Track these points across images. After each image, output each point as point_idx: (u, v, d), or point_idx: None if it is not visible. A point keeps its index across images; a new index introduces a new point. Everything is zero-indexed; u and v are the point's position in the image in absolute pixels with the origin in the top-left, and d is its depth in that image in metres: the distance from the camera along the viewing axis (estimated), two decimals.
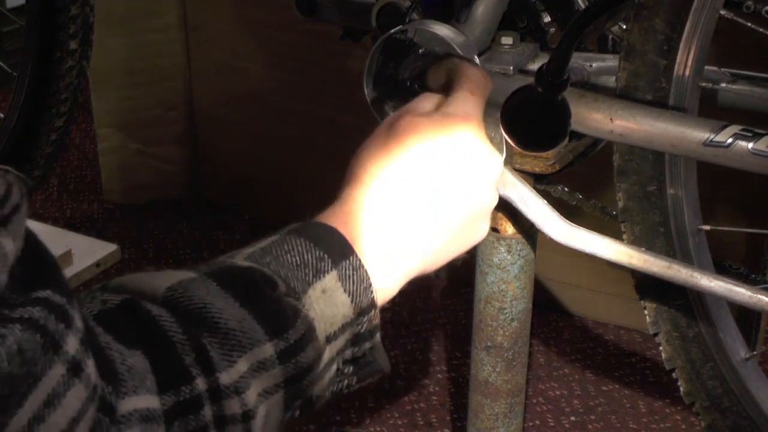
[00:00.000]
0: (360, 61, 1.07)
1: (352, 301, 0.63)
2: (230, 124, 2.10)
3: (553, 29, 1.11)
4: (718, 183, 1.30)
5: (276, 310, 0.58)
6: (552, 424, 1.54)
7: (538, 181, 1.08)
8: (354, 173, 0.71)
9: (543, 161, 1.05)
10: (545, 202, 1.04)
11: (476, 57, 1.03)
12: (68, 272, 1.82)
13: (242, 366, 0.55)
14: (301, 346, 0.59)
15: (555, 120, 0.93)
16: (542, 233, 1.05)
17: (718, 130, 0.91)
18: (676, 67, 0.97)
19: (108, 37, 1.98)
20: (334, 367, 0.64)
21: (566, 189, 1.09)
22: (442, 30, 1.03)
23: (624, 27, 1.08)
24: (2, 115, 1.73)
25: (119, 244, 1.96)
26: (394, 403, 1.57)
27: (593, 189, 1.53)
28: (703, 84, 1.01)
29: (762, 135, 0.90)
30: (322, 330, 0.60)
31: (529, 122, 0.94)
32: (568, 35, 0.88)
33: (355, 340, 0.65)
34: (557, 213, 1.04)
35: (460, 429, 1.52)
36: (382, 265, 0.68)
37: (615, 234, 1.05)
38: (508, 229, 1.10)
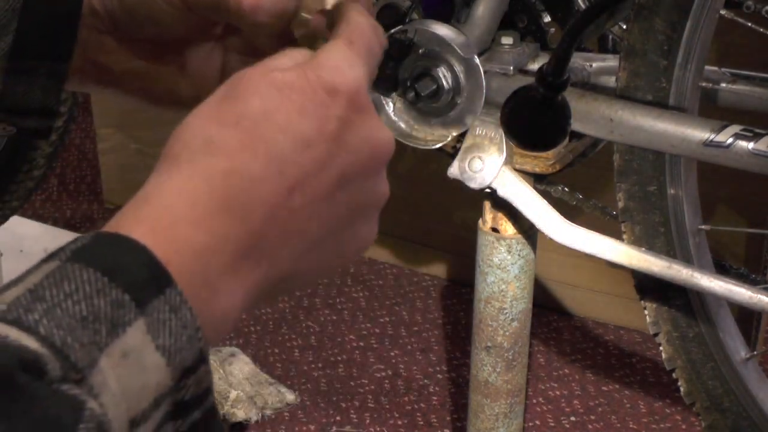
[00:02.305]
0: None
1: (168, 362, 0.41)
2: None
3: (553, 29, 1.11)
4: (718, 183, 1.30)
5: (41, 421, 0.37)
6: (552, 424, 1.54)
7: (538, 181, 1.08)
8: (172, 152, 0.46)
9: (543, 161, 1.05)
10: (545, 202, 1.04)
11: (476, 57, 1.03)
12: None
13: None
14: None
15: (555, 120, 0.93)
16: (542, 233, 1.06)
17: (718, 130, 0.91)
18: (676, 67, 0.97)
19: None
20: None
21: (566, 189, 1.09)
22: (442, 30, 1.03)
23: (624, 27, 1.08)
24: None
25: None
26: (394, 403, 1.57)
27: (593, 189, 1.53)
28: (703, 84, 1.01)
29: (762, 135, 0.90)
30: (122, 415, 0.40)
31: (529, 122, 0.94)
32: (568, 35, 0.88)
33: (178, 411, 0.43)
34: (557, 213, 1.04)
35: (460, 429, 1.52)
36: (218, 286, 0.44)
37: (615, 234, 1.05)
38: (508, 229, 1.10)
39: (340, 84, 0.48)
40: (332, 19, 0.56)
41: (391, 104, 1.09)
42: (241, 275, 0.45)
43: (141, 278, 0.41)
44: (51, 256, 0.43)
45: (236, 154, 0.45)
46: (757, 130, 0.90)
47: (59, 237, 1.93)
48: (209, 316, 0.44)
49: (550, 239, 1.04)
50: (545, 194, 1.06)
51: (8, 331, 0.38)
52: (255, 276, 0.46)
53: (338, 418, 1.54)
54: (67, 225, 2.06)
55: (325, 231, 0.48)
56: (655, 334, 1.11)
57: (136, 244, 0.42)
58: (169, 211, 0.44)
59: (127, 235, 0.43)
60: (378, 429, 1.52)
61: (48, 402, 0.38)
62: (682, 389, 1.13)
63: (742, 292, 0.97)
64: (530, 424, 1.53)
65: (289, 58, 0.50)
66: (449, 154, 1.08)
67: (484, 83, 1.02)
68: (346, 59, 0.50)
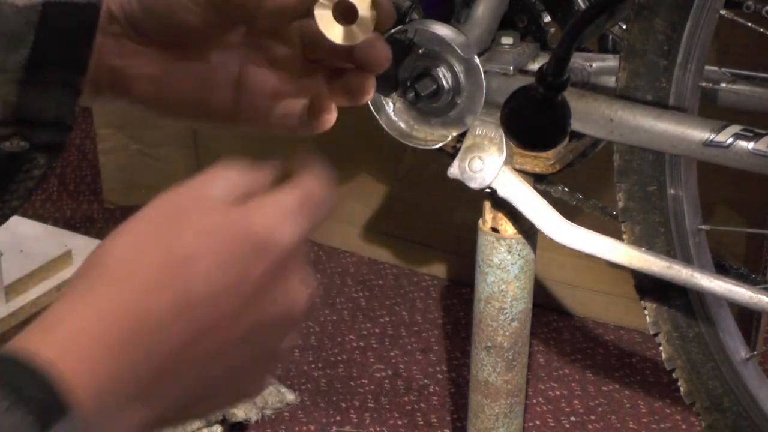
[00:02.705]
0: None
1: None
2: None
3: (553, 29, 1.11)
4: (718, 183, 1.30)
5: None
6: (552, 424, 1.54)
7: (538, 181, 1.08)
8: (93, 273, 0.46)
9: (543, 161, 1.05)
10: (545, 202, 1.04)
11: (476, 57, 1.03)
12: (68, 272, 1.82)
13: None
14: None
15: (555, 120, 0.93)
16: (542, 233, 1.06)
17: (718, 130, 0.91)
18: (676, 67, 0.97)
19: None
20: None
21: (566, 189, 1.09)
22: (442, 30, 1.03)
23: (624, 27, 1.08)
24: None
25: None
26: (394, 403, 1.57)
27: (593, 189, 1.53)
28: (703, 84, 1.01)
29: (762, 135, 0.90)
30: None
31: (529, 122, 0.94)
32: (568, 35, 0.88)
33: None
34: (557, 213, 1.04)
35: (460, 429, 1.52)
36: (114, 416, 0.44)
37: (615, 234, 1.05)
38: (508, 229, 1.10)
39: (271, 242, 0.47)
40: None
41: (391, 104, 1.09)
42: (130, 412, 0.45)
43: (44, 400, 0.41)
44: None
45: (152, 293, 0.45)
46: (757, 130, 0.90)
47: (59, 237, 1.93)
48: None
49: (550, 239, 1.04)
50: (545, 194, 1.06)
51: None
52: (141, 414, 0.45)
53: (338, 418, 1.54)
54: (67, 225, 2.06)
55: (222, 377, 0.48)
56: (655, 334, 1.11)
57: (43, 364, 0.42)
58: (80, 338, 0.43)
59: (34, 358, 0.42)
60: (378, 429, 1.52)
61: None
62: (682, 389, 1.13)
63: (742, 292, 0.98)
64: (530, 424, 1.53)
65: (227, 186, 0.48)
66: (449, 154, 1.08)
67: (484, 83, 1.02)
68: (288, 214, 0.48)
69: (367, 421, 1.54)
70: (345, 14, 0.58)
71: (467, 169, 1.05)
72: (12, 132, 0.61)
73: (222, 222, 0.47)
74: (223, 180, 0.49)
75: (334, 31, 0.58)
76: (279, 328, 0.49)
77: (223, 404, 0.51)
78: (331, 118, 0.64)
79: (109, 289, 0.45)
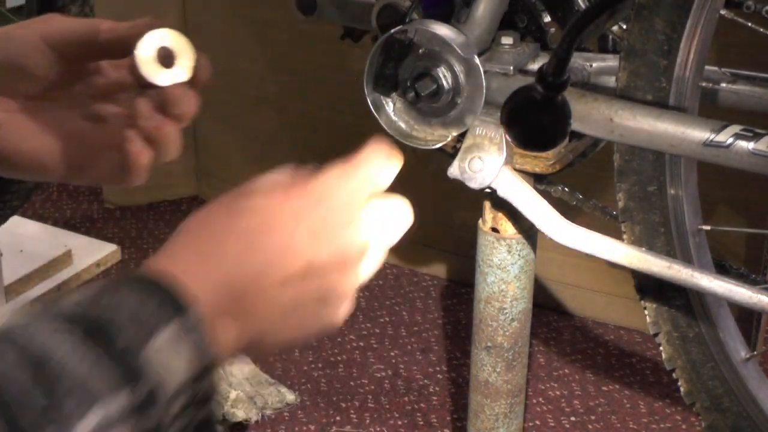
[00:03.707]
0: (360, 61, 1.07)
1: (189, 363, 0.54)
2: (230, 124, 2.09)
3: (553, 29, 1.11)
4: (718, 183, 1.30)
5: (124, 360, 0.51)
6: (552, 424, 1.54)
7: (538, 181, 1.08)
8: (205, 232, 0.60)
9: (543, 161, 1.05)
10: (545, 202, 1.04)
11: (476, 57, 1.03)
12: (68, 272, 1.83)
13: (93, 419, 0.49)
14: (150, 402, 0.52)
15: (555, 120, 0.93)
16: (542, 233, 1.06)
17: (718, 130, 0.91)
18: (676, 67, 0.97)
19: None
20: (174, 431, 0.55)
21: (566, 189, 1.09)
22: (442, 30, 1.03)
23: (624, 27, 1.08)
24: None
25: (119, 244, 1.96)
26: (394, 403, 1.57)
27: (593, 189, 1.53)
28: (703, 84, 1.01)
29: (762, 135, 0.90)
30: (164, 392, 0.53)
31: (529, 122, 0.94)
32: (568, 35, 0.88)
33: (191, 405, 0.56)
34: (557, 213, 1.04)
35: (460, 429, 1.52)
36: (217, 325, 0.58)
37: (615, 234, 1.05)
38: (508, 229, 1.10)
39: (327, 193, 0.62)
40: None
41: (391, 104, 1.09)
42: (230, 324, 0.58)
43: (171, 301, 0.54)
44: (104, 281, 0.56)
45: (243, 249, 0.59)
46: (757, 130, 0.90)
47: (59, 237, 1.93)
48: (214, 340, 0.56)
49: (550, 239, 1.04)
50: (545, 194, 1.06)
51: (93, 313, 0.53)
52: (242, 322, 0.58)
53: (338, 418, 1.54)
54: (67, 225, 2.06)
55: (294, 301, 0.60)
56: (655, 334, 1.11)
57: (171, 280, 0.55)
58: (187, 268, 0.57)
59: (163, 272, 0.56)
60: (378, 429, 1.52)
61: (125, 354, 0.51)
62: (682, 389, 1.13)
63: (742, 292, 0.97)
64: (530, 424, 1.53)
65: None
66: (449, 154, 1.08)
67: (484, 83, 1.02)
68: (341, 175, 0.64)
69: (367, 421, 1.54)
70: (164, 59, 0.66)
71: (467, 169, 1.05)
72: None
73: (289, 186, 0.63)
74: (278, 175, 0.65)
75: (151, 71, 0.66)
76: (337, 264, 0.60)
77: (299, 330, 0.62)
78: (142, 172, 0.68)
79: (198, 241, 0.59)
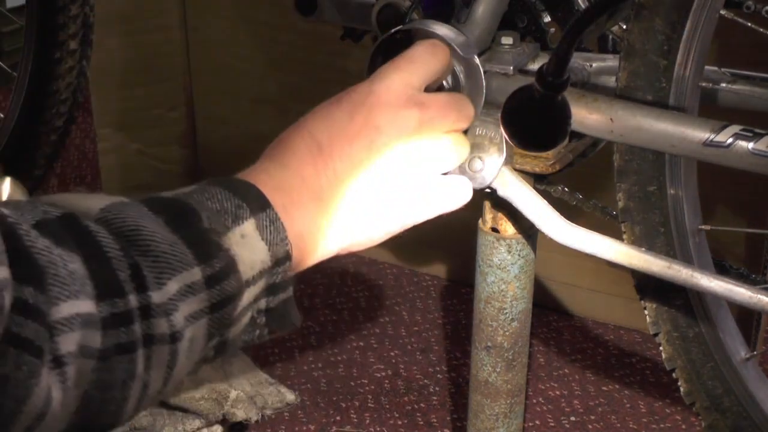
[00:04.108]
0: (360, 61, 1.07)
1: (269, 250, 0.64)
2: (230, 124, 2.09)
3: (553, 29, 1.11)
4: (718, 183, 1.30)
5: (203, 239, 0.60)
6: (552, 424, 1.54)
7: (538, 181, 1.08)
8: (289, 148, 0.76)
9: (543, 161, 1.05)
10: (545, 202, 1.04)
11: (476, 57, 1.03)
12: None
13: (172, 287, 0.57)
14: (226, 275, 0.60)
15: (555, 120, 0.93)
16: (542, 233, 1.05)
17: (718, 130, 0.91)
18: (676, 67, 0.97)
19: (108, 37, 1.98)
20: (249, 314, 0.65)
21: (566, 189, 1.09)
22: (442, 30, 1.03)
23: (624, 27, 1.08)
24: (2, 115, 1.73)
25: None
26: (394, 403, 1.57)
27: (593, 189, 1.53)
28: (703, 84, 1.01)
29: (762, 135, 0.90)
30: (241, 273, 0.62)
31: (529, 122, 0.94)
32: (568, 35, 0.88)
33: (271, 289, 0.65)
34: (557, 213, 1.04)
35: (460, 429, 1.52)
36: (292, 213, 0.69)
37: (615, 234, 1.05)
38: (508, 229, 1.10)
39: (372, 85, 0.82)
40: None
41: None
42: (307, 214, 0.70)
43: (253, 199, 0.66)
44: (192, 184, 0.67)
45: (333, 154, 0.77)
46: (757, 130, 0.90)
47: None
48: (292, 232, 0.67)
49: (550, 239, 1.04)
50: (545, 194, 1.06)
51: (182, 199, 0.64)
52: (315, 218, 0.71)
53: (338, 418, 1.54)
54: None
55: (377, 186, 0.76)
56: (655, 334, 1.11)
57: (251, 184, 0.68)
58: (270, 177, 0.72)
59: (246, 179, 0.69)
60: (378, 429, 1.52)
61: (206, 233, 0.62)
62: (682, 389, 1.13)
63: (742, 292, 0.97)
64: (530, 424, 1.53)
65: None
66: None
67: (484, 83, 1.02)
68: (384, 71, 0.84)
69: (367, 421, 1.54)
70: None
71: (467, 169, 1.05)
72: None
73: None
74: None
75: None
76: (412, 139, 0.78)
77: (390, 217, 0.81)
78: None
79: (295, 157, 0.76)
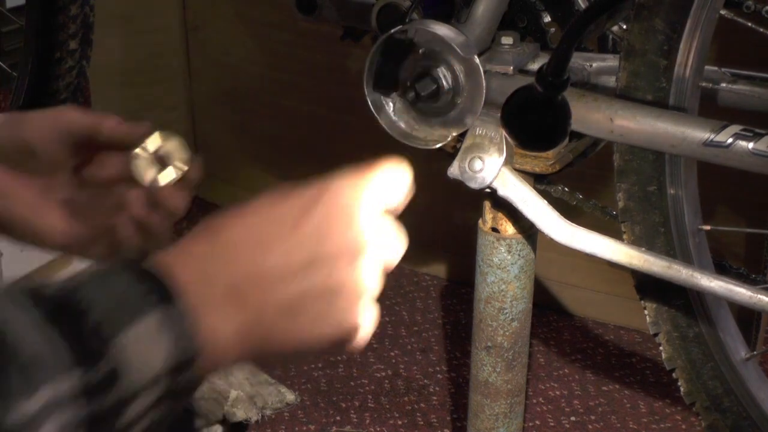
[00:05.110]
0: (360, 61, 1.07)
1: (169, 353, 0.54)
2: (230, 124, 2.09)
3: (553, 29, 1.11)
4: (718, 183, 1.30)
5: (86, 339, 0.52)
6: (552, 424, 1.54)
7: (538, 181, 1.08)
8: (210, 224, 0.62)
9: (543, 161, 1.05)
10: (545, 202, 1.04)
11: (476, 57, 1.03)
12: (68, 272, 1.82)
13: (40, 398, 0.49)
14: (110, 382, 0.52)
15: (555, 120, 0.93)
16: (542, 233, 1.06)
17: (718, 130, 0.91)
18: (676, 67, 0.97)
19: (108, 37, 1.98)
20: (145, 422, 0.55)
21: (566, 189, 1.09)
22: (442, 30, 1.03)
23: (624, 27, 1.08)
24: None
25: None
26: (394, 403, 1.57)
27: (593, 189, 1.53)
28: (703, 84, 1.01)
29: (762, 135, 0.90)
30: (132, 379, 0.53)
31: (529, 122, 0.94)
32: (568, 35, 0.88)
33: (170, 395, 0.55)
34: (557, 213, 1.04)
35: (460, 429, 1.52)
36: (211, 311, 0.58)
37: (615, 234, 1.05)
38: (508, 229, 1.10)
39: (324, 191, 0.62)
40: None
41: (391, 104, 1.09)
42: (230, 315, 0.57)
43: (160, 288, 0.55)
44: (100, 264, 0.57)
45: (247, 242, 0.60)
46: (757, 130, 0.90)
47: None
48: (204, 333, 0.55)
49: (550, 239, 1.04)
50: (545, 194, 1.06)
51: (69, 292, 0.54)
52: (242, 316, 0.57)
53: (338, 418, 1.54)
54: None
55: (300, 296, 0.59)
56: (655, 334, 1.11)
57: (164, 267, 0.56)
58: (185, 260, 0.58)
59: (159, 261, 0.57)
60: (378, 429, 1.52)
61: (91, 334, 0.52)
62: (682, 389, 1.13)
63: (742, 292, 0.97)
64: (530, 424, 1.53)
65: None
66: (449, 154, 1.08)
67: (484, 83, 1.02)
68: (346, 179, 0.64)
69: (367, 421, 1.54)
70: (158, 160, 0.75)
71: (467, 169, 1.05)
72: None
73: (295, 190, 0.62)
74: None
75: (143, 172, 0.75)
76: (344, 257, 0.60)
77: (312, 331, 0.60)
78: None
79: (206, 232, 0.60)
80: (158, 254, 0.58)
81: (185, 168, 0.75)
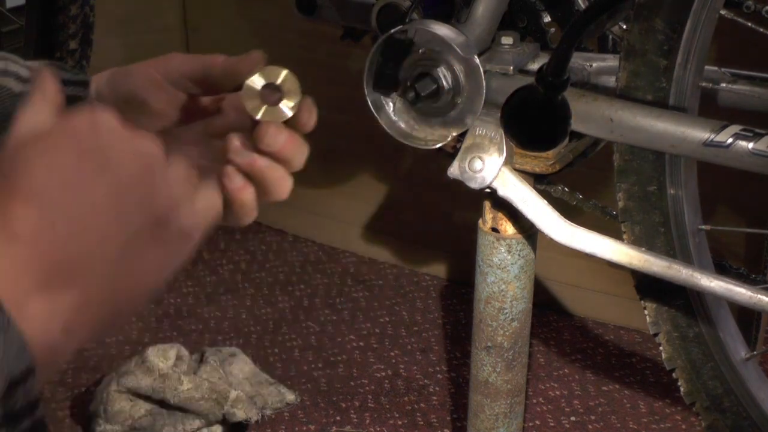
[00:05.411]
0: (360, 61, 1.07)
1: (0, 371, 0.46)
2: None
3: (553, 29, 1.11)
4: (718, 183, 1.30)
5: None
6: (552, 424, 1.54)
7: (538, 181, 1.08)
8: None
9: (543, 161, 1.05)
10: (545, 202, 1.04)
11: (476, 57, 1.03)
12: None
13: None
14: None
15: (555, 120, 0.93)
16: (542, 233, 1.06)
17: (718, 130, 0.91)
18: (676, 67, 0.97)
19: (108, 37, 1.98)
20: None
21: (566, 189, 1.09)
22: (442, 30, 1.03)
23: (624, 27, 1.08)
24: None
25: None
26: (394, 403, 1.57)
27: (593, 189, 1.53)
28: (703, 84, 1.01)
29: (762, 135, 0.90)
30: None
31: (529, 122, 0.94)
32: (568, 35, 0.88)
33: (8, 420, 0.48)
34: (557, 213, 1.04)
35: (460, 429, 1.52)
36: (26, 306, 0.49)
37: (615, 234, 1.05)
38: (508, 229, 1.10)
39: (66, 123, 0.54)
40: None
41: (391, 104, 1.09)
42: (54, 297, 0.50)
43: None
44: None
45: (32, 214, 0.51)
46: (757, 130, 0.90)
47: None
48: (33, 326, 0.48)
49: (550, 239, 1.04)
50: (545, 194, 1.06)
51: None
52: (71, 297, 0.50)
53: (338, 418, 1.54)
54: None
55: (117, 243, 0.52)
56: (655, 334, 1.11)
57: None
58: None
59: None
60: (378, 429, 1.52)
61: None
62: (682, 389, 1.13)
63: (742, 292, 0.97)
64: (530, 424, 1.53)
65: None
66: (449, 154, 1.08)
67: (484, 83, 1.02)
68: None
69: (367, 421, 1.54)
70: (270, 96, 0.66)
71: (467, 169, 1.05)
72: None
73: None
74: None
75: (253, 106, 0.65)
76: (142, 182, 0.54)
77: (147, 271, 0.54)
78: (244, 209, 0.64)
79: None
80: None
81: (296, 105, 0.66)
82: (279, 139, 0.64)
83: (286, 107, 0.66)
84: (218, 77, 0.69)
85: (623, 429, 1.53)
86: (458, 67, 1.03)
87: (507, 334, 1.15)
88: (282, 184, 0.65)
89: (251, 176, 0.64)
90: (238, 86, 0.67)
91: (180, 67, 0.70)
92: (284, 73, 0.68)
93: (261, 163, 0.64)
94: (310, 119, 0.67)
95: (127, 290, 0.54)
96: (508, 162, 1.05)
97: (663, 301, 1.09)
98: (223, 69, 0.70)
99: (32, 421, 0.49)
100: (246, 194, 0.63)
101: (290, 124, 0.65)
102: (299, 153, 0.66)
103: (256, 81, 0.67)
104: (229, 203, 0.62)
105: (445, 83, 1.04)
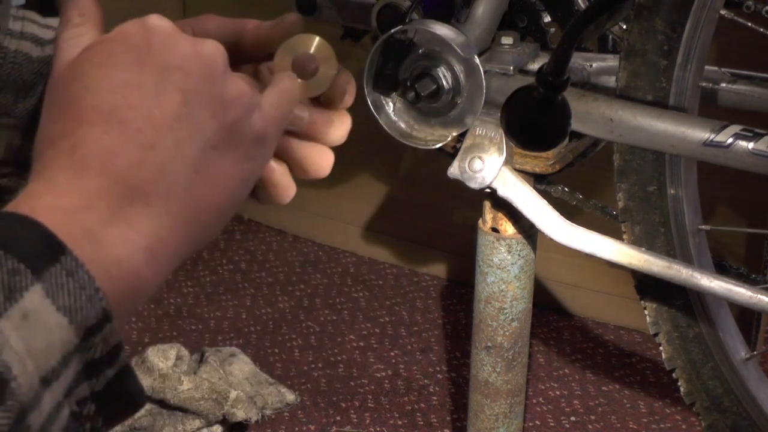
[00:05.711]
0: (360, 61, 1.07)
1: (70, 321, 0.43)
2: None
3: (553, 29, 1.11)
4: (718, 183, 1.30)
5: None
6: (552, 424, 1.54)
7: (538, 181, 1.08)
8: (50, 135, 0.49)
9: (543, 161, 1.05)
10: (545, 202, 1.04)
11: (476, 57, 1.03)
12: None
13: None
14: None
15: (555, 120, 0.93)
16: (542, 233, 1.06)
17: (718, 130, 0.91)
18: (676, 67, 0.97)
19: None
20: (66, 412, 0.44)
21: (566, 189, 1.09)
22: (442, 30, 1.03)
23: (624, 27, 1.08)
24: None
25: None
26: (394, 403, 1.57)
27: (593, 189, 1.53)
28: (703, 84, 1.01)
29: (762, 135, 0.90)
30: (30, 373, 0.41)
31: (529, 122, 0.94)
32: (568, 35, 0.88)
33: (90, 370, 0.45)
34: (557, 213, 1.04)
35: (460, 429, 1.52)
36: (102, 237, 0.46)
37: (615, 234, 1.05)
38: (508, 229, 1.10)
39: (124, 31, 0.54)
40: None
41: (391, 104, 1.09)
42: (134, 221, 0.47)
43: (35, 248, 0.43)
44: None
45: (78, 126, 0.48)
46: (757, 130, 0.90)
47: None
48: (102, 267, 0.45)
49: (550, 239, 1.04)
50: (545, 194, 1.06)
51: None
52: (152, 219, 0.48)
53: (338, 418, 1.54)
54: None
55: (192, 154, 0.49)
56: (655, 334, 1.11)
57: (29, 220, 0.44)
58: (61, 192, 0.47)
59: (19, 212, 0.45)
60: (378, 429, 1.52)
61: None
62: (682, 389, 1.13)
63: (742, 292, 0.97)
64: (530, 424, 1.53)
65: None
66: (449, 154, 1.08)
67: (484, 83, 1.02)
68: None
69: (367, 421, 1.54)
70: (304, 66, 0.60)
71: (467, 169, 1.05)
72: (10, 171, 0.65)
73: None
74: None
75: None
76: (203, 75, 0.51)
77: (226, 183, 0.51)
78: (276, 188, 0.60)
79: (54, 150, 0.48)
80: (25, 195, 0.46)
81: (332, 78, 0.60)
82: (305, 116, 0.59)
83: (321, 79, 0.60)
84: (249, 43, 0.64)
85: (623, 429, 1.53)
86: (458, 67, 1.03)
87: (507, 334, 1.15)
88: (318, 161, 0.60)
89: (279, 155, 0.59)
90: (270, 54, 0.62)
91: (216, 28, 0.64)
92: (317, 40, 0.62)
93: (290, 139, 0.59)
94: (345, 96, 0.61)
95: (210, 205, 0.50)
96: (508, 162, 1.05)
97: (663, 301, 1.09)
98: (255, 36, 0.64)
99: (116, 369, 0.46)
100: (277, 173, 0.59)
101: (327, 97, 0.61)
102: (334, 126, 0.60)
103: (288, 49, 0.62)
104: (262, 184, 0.58)
105: (445, 83, 1.04)
